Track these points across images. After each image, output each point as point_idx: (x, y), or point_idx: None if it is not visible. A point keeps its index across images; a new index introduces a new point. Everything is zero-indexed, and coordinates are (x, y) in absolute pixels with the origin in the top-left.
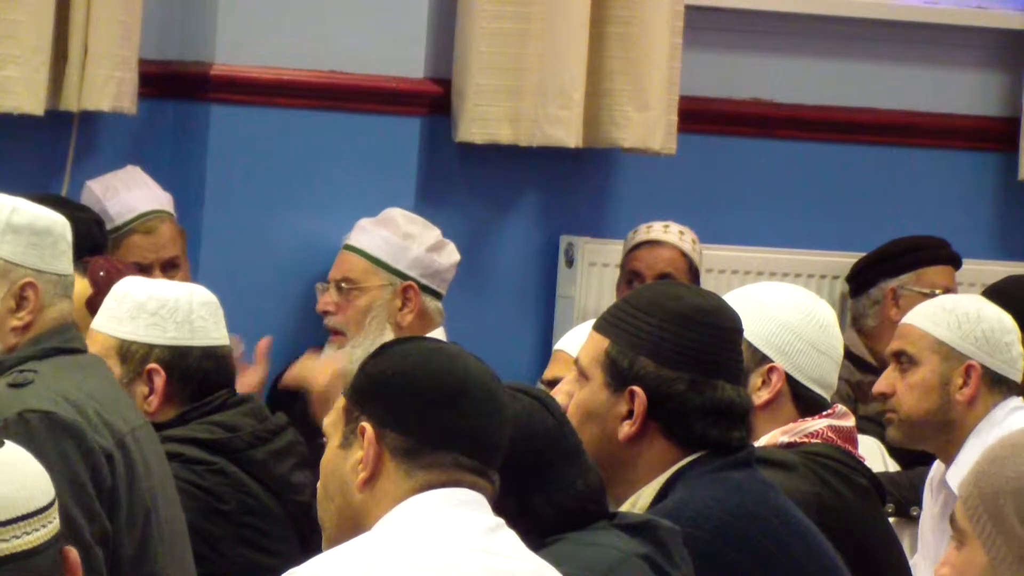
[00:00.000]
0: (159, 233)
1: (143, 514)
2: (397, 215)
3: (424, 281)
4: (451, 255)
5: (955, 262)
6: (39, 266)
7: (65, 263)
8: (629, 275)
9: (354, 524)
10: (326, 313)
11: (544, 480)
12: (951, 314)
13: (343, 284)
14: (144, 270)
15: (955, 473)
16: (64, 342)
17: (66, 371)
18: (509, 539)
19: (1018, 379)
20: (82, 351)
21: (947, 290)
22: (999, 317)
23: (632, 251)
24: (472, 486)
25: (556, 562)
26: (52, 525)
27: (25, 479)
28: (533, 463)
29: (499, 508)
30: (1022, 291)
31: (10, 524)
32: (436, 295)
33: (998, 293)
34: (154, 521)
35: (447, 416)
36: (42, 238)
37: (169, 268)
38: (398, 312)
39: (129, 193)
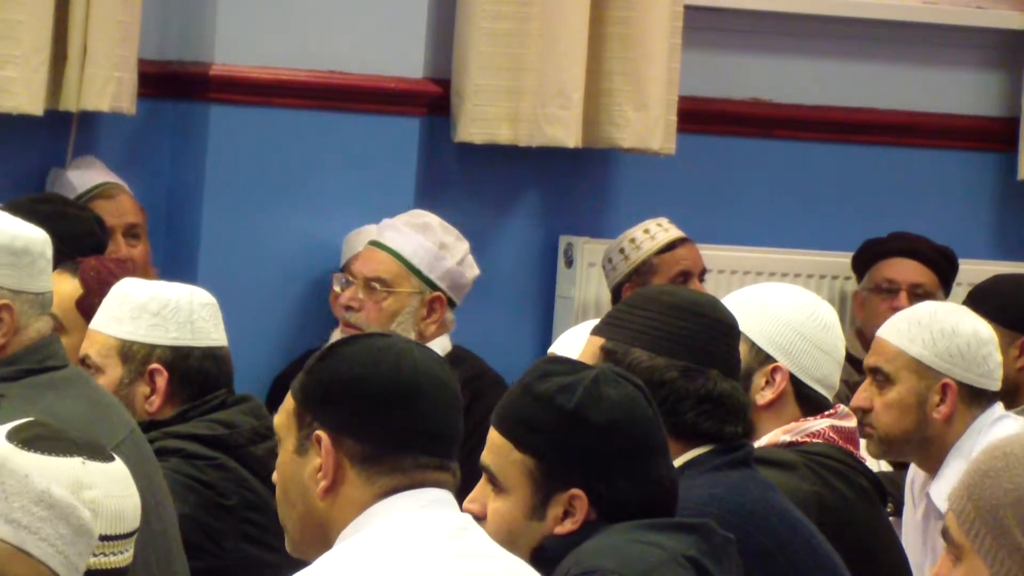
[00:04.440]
0: (120, 200)
1: None
2: (435, 223)
3: (451, 294)
4: (473, 269)
5: (912, 253)
6: (15, 287)
7: (44, 281)
8: (677, 277)
9: (319, 530)
10: (348, 308)
11: (635, 467)
12: (926, 330)
13: (375, 284)
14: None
15: (938, 488)
16: (39, 362)
17: (38, 393)
18: (480, 538)
19: (996, 388)
20: (60, 367)
21: (892, 283)
22: (975, 330)
23: (663, 252)
24: (436, 484)
25: (596, 556)
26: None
27: (136, 496)
28: (629, 449)
29: (587, 491)
30: (1003, 290)
31: (129, 537)
32: (454, 307)
33: (981, 293)
34: None
35: (404, 419)
36: (20, 258)
37: (131, 236)
38: (422, 321)
39: (90, 169)
